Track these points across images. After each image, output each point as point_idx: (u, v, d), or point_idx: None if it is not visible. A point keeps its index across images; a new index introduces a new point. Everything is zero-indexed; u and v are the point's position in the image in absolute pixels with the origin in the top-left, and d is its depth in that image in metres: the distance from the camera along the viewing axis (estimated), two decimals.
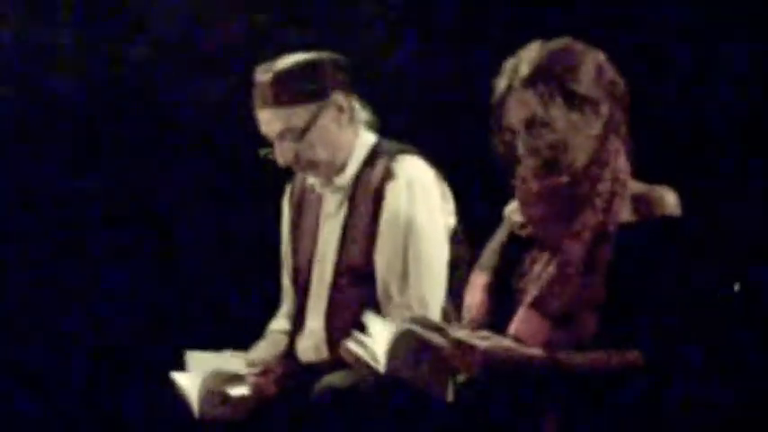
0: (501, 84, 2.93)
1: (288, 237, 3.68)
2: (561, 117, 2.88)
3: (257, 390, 3.34)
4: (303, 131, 3.43)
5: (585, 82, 2.89)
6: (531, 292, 2.91)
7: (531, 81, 2.88)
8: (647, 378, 2.80)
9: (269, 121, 3.45)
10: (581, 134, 2.89)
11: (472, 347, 2.78)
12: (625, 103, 2.95)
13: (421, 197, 3.42)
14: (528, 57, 2.91)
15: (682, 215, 2.89)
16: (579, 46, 2.94)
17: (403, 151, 3.49)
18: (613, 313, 2.82)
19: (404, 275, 3.39)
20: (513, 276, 2.97)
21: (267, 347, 3.59)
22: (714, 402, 3.37)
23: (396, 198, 3.42)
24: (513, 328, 2.89)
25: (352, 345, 2.89)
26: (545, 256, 2.93)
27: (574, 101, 2.88)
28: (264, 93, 3.44)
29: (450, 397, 2.83)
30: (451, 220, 3.49)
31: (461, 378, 2.84)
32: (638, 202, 2.90)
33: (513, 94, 2.91)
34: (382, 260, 3.41)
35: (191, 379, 3.34)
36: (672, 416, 2.83)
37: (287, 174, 3.64)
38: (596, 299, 2.83)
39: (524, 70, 2.90)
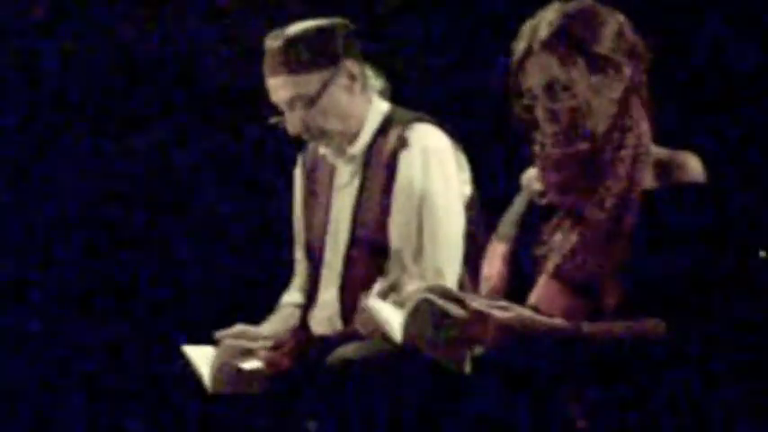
0: (519, 46, 2.85)
1: (300, 208, 3.62)
2: (582, 80, 2.80)
3: (270, 363, 3.28)
4: (314, 99, 3.37)
5: (607, 43, 2.81)
6: (553, 260, 2.84)
7: (550, 43, 2.80)
8: (670, 349, 2.74)
9: (279, 88, 3.39)
10: (603, 98, 2.82)
11: (491, 318, 2.72)
12: (646, 66, 2.87)
13: (436, 166, 3.36)
14: (547, 18, 2.83)
15: (706, 181, 2.83)
16: (599, 7, 2.86)
17: (417, 119, 3.43)
18: (637, 282, 2.75)
19: (419, 245, 3.34)
20: (533, 245, 2.90)
21: (279, 321, 3.54)
22: (736, 374, 3.32)
23: (410, 167, 3.36)
24: (533, 297, 2.84)
25: (368, 311, 2.84)
26: (566, 223, 2.87)
27: (596, 63, 2.80)
28: (275, 59, 3.37)
29: (467, 369, 2.77)
30: (467, 189, 3.43)
31: (479, 350, 2.77)
32: (662, 168, 2.83)
33: (533, 58, 2.83)
34: (396, 230, 3.35)
35: (202, 352, 3.30)
36: (693, 389, 2.77)
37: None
38: (619, 267, 2.76)
39: (543, 32, 2.81)
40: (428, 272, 3.32)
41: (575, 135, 2.82)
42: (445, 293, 2.77)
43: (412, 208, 3.34)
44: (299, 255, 3.63)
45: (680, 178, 2.81)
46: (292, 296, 3.62)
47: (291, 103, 3.38)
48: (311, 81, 3.37)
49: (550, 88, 2.82)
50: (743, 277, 3.73)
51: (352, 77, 3.41)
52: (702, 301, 2.75)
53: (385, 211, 3.37)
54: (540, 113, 2.84)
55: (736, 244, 2.83)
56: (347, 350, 3.10)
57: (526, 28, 2.85)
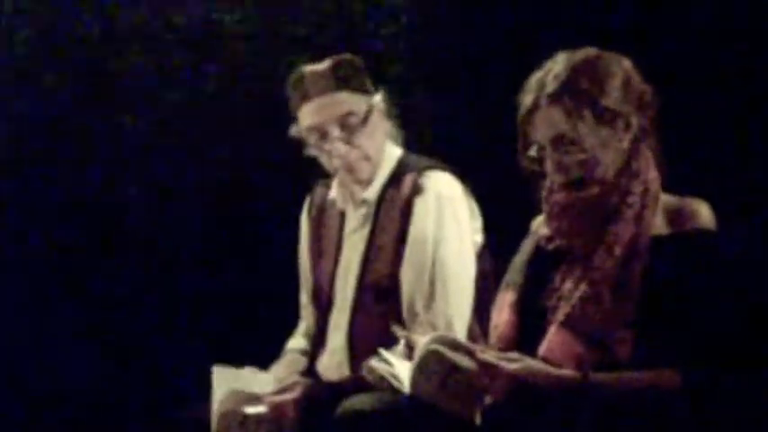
0: (527, 100, 2.84)
1: (307, 252, 3.60)
2: (590, 134, 2.80)
3: (275, 409, 3.24)
4: (364, 120, 3.38)
5: (614, 95, 2.81)
6: (563, 309, 2.82)
7: (557, 97, 2.79)
8: (685, 400, 2.71)
9: (326, 107, 3.38)
10: (611, 149, 2.81)
11: (500, 370, 2.70)
12: (654, 113, 2.86)
13: (449, 214, 3.35)
14: (554, 71, 2.82)
15: (716, 228, 2.81)
16: (606, 56, 2.85)
17: (431, 167, 3.42)
18: (650, 331, 2.73)
19: (430, 292, 3.32)
20: (542, 293, 2.88)
21: (284, 369, 3.50)
22: (754, 425, 3.28)
23: (424, 214, 3.35)
24: (543, 347, 2.81)
25: (375, 363, 2.82)
26: (575, 271, 2.85)
27: (603, 116, 2.80)
28: (322, 79, 3.38)
29: (477, 420, 2.75)
30: (479, 238, 3.42)
31: (488, 400, 2.75)
32: (672, 214, 2.82)
33: (540, 111, 2.82)
34: (408, 277, 3.34)
35: (230, 375, 3.27)
36: None
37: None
38: (631, 316, 2.74)
39: (550, 86, 2.81)
40: (439, 320, 3.30)
41: (583, 185, 2.81)
42: (454, 345, 2.75)
43: (425, 256, 3.33)
44: (305, 299, 3.61)
45: (690, 225, 2.79)
46: (298, 342, 3.60)
47: (342, 121, 3.36)
48: (361, 101, 3.39)
49: (558, 141, 2.80)
50: (758, 327, 3.73)
51: (382, 113, 3.43)
52: (718, 351, 2.72)
53: (396, 257, 3.35)
54: (548, 165, 2.82)
55: (747, 292, 2.83)
56: (358, 401, 3.06)
57: (533, 81, 2.85)
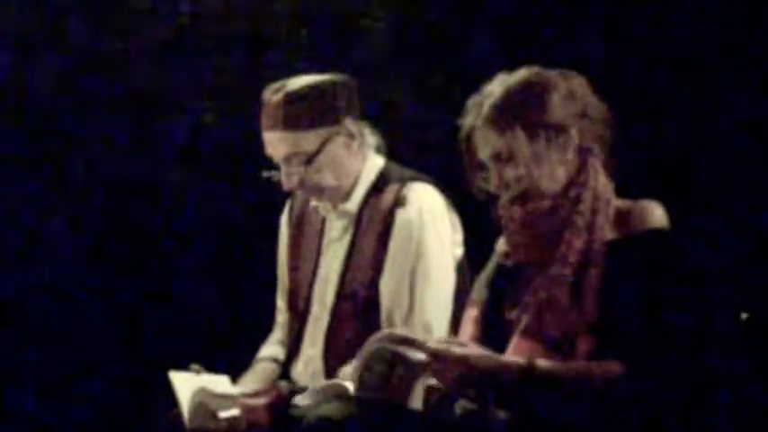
0: (465, 122, 2.95)
1: (285, 257, 3.59)
2: (524, 149, 2.88)
3: (248, 412, 3.23)
4: (312, 157, 3.34)
5: (550, 109, 2.89)
6: (524, 320, 2.88)
7: (491, 119, 2.90)
8: (627, 389, 2.77)
9: (276, 143, 3.36)
10: (549, 162, 2.90)
11: (450, 354, 2.77)
12: (603, 124, 2.94)
13: (432, 226, 3.35)
14: (489, 94, 2.92)
15: (669, 228, 2.88)
16: (545, 73, 2.94)
17: (414, 178, 3.41)
18: (608, 333, 2.79)
19: (410, 304, 3.32)
20: (506, 308, 2.94)
21: (255, 377, 3.48)
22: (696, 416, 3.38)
23: (406, 226, 3.34)
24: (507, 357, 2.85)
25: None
26: (534, 283, 2.91)
27: (537, 130, 2.88)
28: (275, 114, 3.34)
29: (417, 404, 2.85)
30: (459, 251, 3.42)
31: (435, 384, 2.85)
32: (625, 218, 2.89)
33: (477, 132, 2.93)
34: (388, 287, 3.34)
35: (189, 381, 3.26)
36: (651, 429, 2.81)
37: None
38: (589, 320, 2.81)
39: (486, 109, 2.91)
40: (417, 330, 3.28)
41: (527, 200, 2.89)
42: (401, 339, 2.83)
43: (405, 268, 3.32)
44: (281, 303, 3.59)
45: (643, 226, 2.86)
46: (270, 350, 3.58)
47: (288, 159, 3.35)
48: (310, 138, 3.34)
49: (496, 159, 2.90)
50: (705, 321, 3.87)
51: (351, 136, 3.39)
52: (662, 344, 2.78)
53: (376, 267, 3.35)
54: (492, 183, 2.92)
55: (698, 288, 2.90)
56: (328, 408, 3.04)
57: (470, 104, 2.94)
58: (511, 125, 2.88)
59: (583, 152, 2.92)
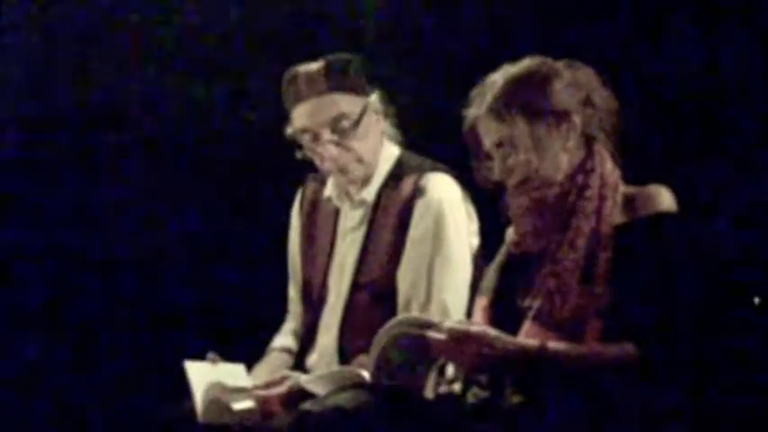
0: (469, 113, 2.99)
1: (298, 248, 3.57)
2: (524, 136, 2.92)
3: (262, 403, 3.23)
4: (356, 122, 3.34)
5: (551, 96, 2.92)
6: (534, 306, 2.90)
7: (493, 108, 2.93)
8: (641, 371, 2.80)
9: (319, 109, 3.34)
10: (551, 149, 2.93)
11: (468, 333, 2.81)
12: (609, 113, 2.97)
13: (450, 217, 3.34)
14: (492, 84, 2.96)
15: (676, 211, 2.90)
16: (550, 63, 2.98)
17: (432, 168, 3.41)
18: (618, 317, 2.81)
19: (427, 294, 3.31)
20: (515, 296, 2.97)
21: (268, 369, 3.46)
22: (705, 399, 3.39)
23: (425, 216, 3.33)
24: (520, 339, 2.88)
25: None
26: (544, 269, 2.93)
27: (537, 117, 2.92)
28: (316, 81, 3.34)
29: (429, 394, 2.91)
30: (475, 241, 3.40)
31: (454, 374, 2.92)
32: (633, 203, 2.92)
33: (480, 122, 2.96)
34: (407, 277, 3.33)
35: (204, 371, 3.25)
36: (662, 412, 2.83)
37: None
38: (599, 305, 2.83)
39: (488, 99, 2.95)
40: (435, 319, 3.25)
41: (531, 185, 2.93)
42: (417, 323, 2.87)
43: (424, 258, 3.31)
44: (294, 293, 3.59)
45: (649, 210, 2.89)
46: (282, 340, 3.57)
47: (334, 123, 3.33)
48: (355, 103, 3.35)
49: (499, 146, 2.94)
50: (715, 304, 3.85)
51: (378, 113, 3.40)
52: (675, 328, 2.81)
53: (394, 257, 3.34)
54: (495, 171, 2.95)
55: (708, 272, 2.92)
56: (340, 397, 3.04)
57: (473, 94, 2.99)
58: (511, 113, 2.91)
59: (589, 140, 2.95)
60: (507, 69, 2.97)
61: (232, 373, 3.28)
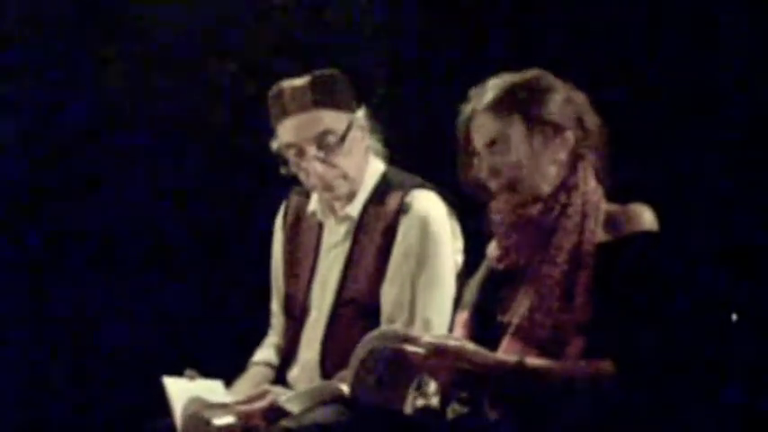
0: (466, 110, 3.00)
1: (281, 262, 3.57)
2: (521, 138, 2.94)
3: (243, 418, 3.21)
4: (342, 138, 3.34)
5: (550, 108, 2.95)
6: (514, 322, 2.91)
7: (492, 106, 2.95)
8: (617, 387, 2.80)
9: (304, 125, 3.34)
10: (543, 158, 2.95)
11: (446, 347, 2.80)
12: (599, 136, 2.99)
13: (434, 235, 3.34)
14: (493, 84, 2.99)
15: (658, 230, 2.91)
16: (550, 78, 3.00)
17: (417, 185, 3.41)
18: (598, 335, 2.82)
19: (411, 313, 3.31)
20: (497, 310, 2.97)
21: (249, 383, 3.46)
22: (682, 416, 3.40)
23: (409, 234, 3.33)
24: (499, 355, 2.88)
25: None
26: (525, 285, 2.94)
27: (535, 124, 2.94)
28: (301, 96, 3.34)
29: (408, 409, 2.89)
30: (459, 258, 3.41)
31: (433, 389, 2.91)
32: (615, 221, 2.92)
33: (476, 119, 2.98)
34: (390, 294, 3.33)
35: (182, 387, 3.25)
36: (639, 427, 2.84)
37: None
38: (580, 322, 2.84)
39: (488, 96, 2.97)
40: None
41: (516, 191, 2.94)
42: (395, 337, 2.86)
43: (408, 275, 3.31)
44: (276, 307, 3.58)
45: (632, 229, 2.89)
46: (265, 354, 3.56)
47: (319, 139, 3.33)
48: (340, 119, 3.35)
49: (491, 144, 2.95)
50: (695, 321, 3.90)
51: (363, 129, 3.40)
52: (652, 345, 2.82)
53: (377, 273, 3.34)
54: (483, 171, 2.96)
55: (688, 289, 2.92)
56: (319, 414, 3.06)
57: (473, 92, 3.00)
58: (510, 112, 2.94)
59: (574, 157, 2.96)
60: (510, 75, 2.99)
61: (211, 389, 3.27)
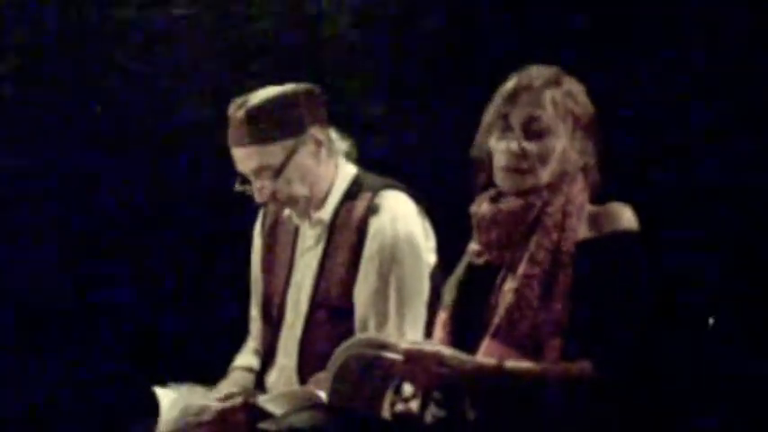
0: (509, 85, 2.98)
1: (259, 266, 3.59)
2: (559, 132, 2.93)
3: (226, 413, 3.24)
4: (280, 169, 3.35)
5: (582, 105, 2.96)
6: (493, 322, 2.90)
7: (538, 83, 2.94)
8: (597, 388, 2.80)
9: (244, 158, 3.37)
10: (558, 155, 2.93)
11: (424, 353, 2.81)
12: (594, 138, 2.98)
13: (405, 235, 3.35)
14: (536, 70, 2.98)
15: (638, 229, 2.90)
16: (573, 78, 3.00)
17: (387, 186, 3.42)
18: (577, 335, 2.82)
19: (384, 313, 3.32)
20: (476, 309, 2.97)
21: (230, 388, 3.45)
22: (661, 418, 3.41)
23: (379, 234, 3.34)
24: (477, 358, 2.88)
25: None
26: (505, 284, 2.94)
27: (574, 121, 2.94)
28: (239, 130, 3.35)
29: (387, 413, 2.89)
30: (432, 258, 3.41)
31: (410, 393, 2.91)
32: (595, 219, 2.92)
33: (521, 95, 2.95)
34: (362, 297, 3.34)
35: (168, 402, 3.27)
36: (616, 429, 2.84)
37: None
38: (559, 321, 2.84)
39: (539, 77, 2.95)
40: (391, 339, 3.26)
41: (532, 175, 2.92)
42: (373, 343, 2.86)
43: (379, 276, 3.32)
44: (255, 313, 3.59)
45: (611, 227, 2.89)
46: (245, 359, 3.58)
47: (258, 172, 3.36)
48: (276, 151, 3.35)
49: (531, 122, 2.93)
50: (674, 320, 3.95)
51: (318, 143, 3.39)
52: (631, 345, 2.82)
53: (350, 276, 3.35)
54: (511, 147, 2.92)
55: (667, 289, 2.92)
56: (296, 418, 3.04)
57: (517, 74, 2.98)
58: (555, 104, 2.93)
59: (561, 159, 2.95)
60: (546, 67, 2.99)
61: (192, 394, 3.30)
